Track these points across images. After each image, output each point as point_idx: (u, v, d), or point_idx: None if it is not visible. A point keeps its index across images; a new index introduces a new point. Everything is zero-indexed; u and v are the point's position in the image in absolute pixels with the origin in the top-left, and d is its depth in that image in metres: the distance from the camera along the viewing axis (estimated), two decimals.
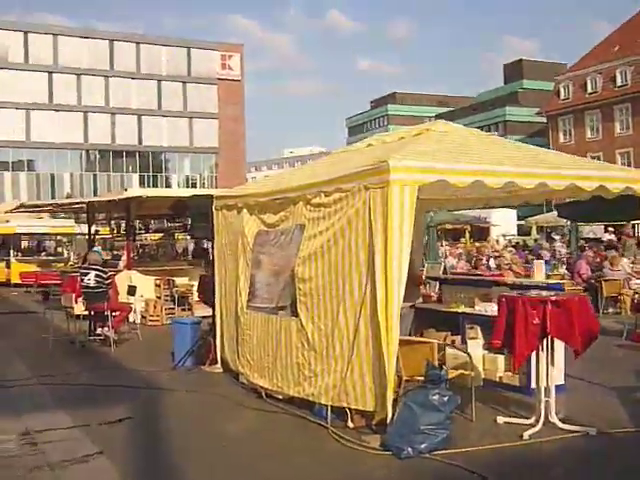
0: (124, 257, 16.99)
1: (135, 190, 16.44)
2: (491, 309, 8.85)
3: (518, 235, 43.45)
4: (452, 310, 9.52)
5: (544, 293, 7.36)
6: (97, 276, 12.42)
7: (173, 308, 16.14)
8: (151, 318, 15.82)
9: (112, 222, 18.14)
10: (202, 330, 11.09)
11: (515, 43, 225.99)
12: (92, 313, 12.77)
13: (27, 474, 5.81)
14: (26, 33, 69.45)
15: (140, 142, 74.03)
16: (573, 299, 7.07)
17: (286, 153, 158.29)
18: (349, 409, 7.16)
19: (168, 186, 73.23)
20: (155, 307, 15.96)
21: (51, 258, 30.95)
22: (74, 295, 13.01)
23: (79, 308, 12.84)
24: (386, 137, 9.23)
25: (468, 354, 7.61)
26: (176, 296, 15.89)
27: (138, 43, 73.77)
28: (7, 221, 30.65)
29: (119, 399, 8.68)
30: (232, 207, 9.85)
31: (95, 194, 68.75)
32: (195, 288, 16.47)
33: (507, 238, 40.02)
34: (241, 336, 9.16)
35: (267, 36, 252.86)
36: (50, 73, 70.21)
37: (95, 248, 34.30)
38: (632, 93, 57.43)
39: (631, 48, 57.07)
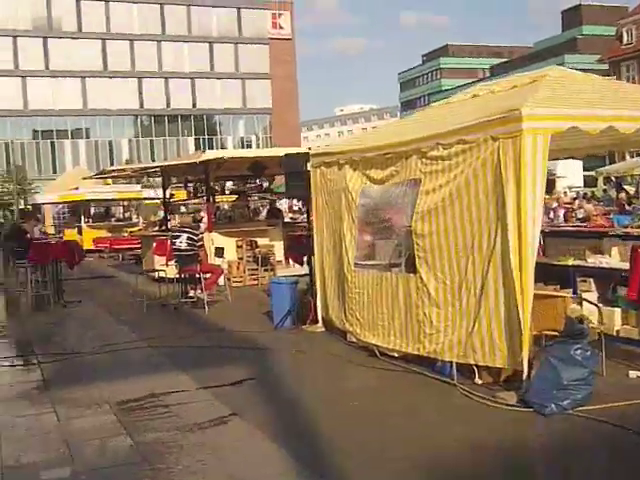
0: (205, 219, 17.01)
1: (214, 152, 16.33)
2: (605, 261, 8.57)
3: (584, 187, 42.36)
4: (562, 263, 9.22)
5: None
6: (189, 239, 12.44)
7: (256, 269, 16.15)
8: (234, 279, 15.85)
9: (188, 185, 18.06)
10: (300, 290, 11.01)
11: None
12: (184, 276, 12.81)
13: (171, 435, 5.81)
14: (78, 1, 69.74)
15: (194, 105, 74.23)
16: None
17: (337, 111, 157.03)
18: (476, 366, 7.01)
19: (224, 148, 73.38)
20: (238, 268, 15.99)
21: (121, 223, 31.44)
22: (164, 258, 13.08)
23: (171, 271, 12.93)
24: (494, 86, 8.88)
25: (598, 307, 7.36)
26: (259, 257, 15.87)
27: (189, 5, 73.45)
28: (76, 188, 31.15)
29: (231, 360, 8.67)
30: (331, 164, 9.68)
31: (152, 159, 69.52)
32: (276, 248, 16.52)
33: (573, 190, 39.04)
34: (348, 295, 9.05)
35: None
36: (103, 40, 70.57)
37: (161, 212, 34.79)
38: None
39: None
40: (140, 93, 71.94)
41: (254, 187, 18.78)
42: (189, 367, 8.28)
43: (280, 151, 13.79)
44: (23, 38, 67.57)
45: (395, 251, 8.39)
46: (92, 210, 33.43)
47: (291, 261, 16.33)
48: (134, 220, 32.68)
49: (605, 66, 64.92)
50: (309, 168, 10.35)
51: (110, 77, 69.84)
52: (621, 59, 62.81)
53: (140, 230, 30.10)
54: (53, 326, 12.04)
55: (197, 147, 73.71)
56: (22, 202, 57.15)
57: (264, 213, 21.69)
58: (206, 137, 75.52)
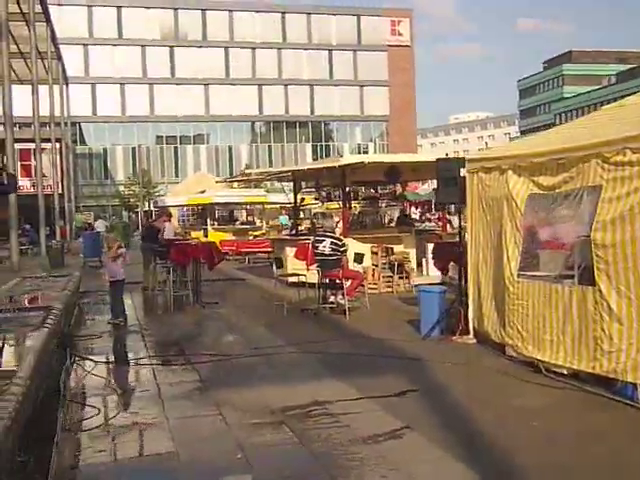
0: (340, 224, 16.88)
1: (353, 156, 16.20)
2: None
3: None
4: None
5: None
6: (332, 243, 12.29)
7: (390, 276, 15.85)
8: (369, 286, 15.60)
9: (321, 190, 18.05)
10: (449, 299, 10.64)
11: None
12: (326, 281, 12.66)
13: (347, 447, 5.58)
14: (204, 11, 71.89)
15: (312, 112, 75.03)
16: None
17: (451, 119, 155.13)
18: None
19: (340, 155, 73.77)
20: (373, 275, 15.73)
21: (246, 227, 31.91)
22: (306, 262, 13.00)
23: (311, 276, 12.83)
24: None
25: None
26: (395, 264, 15.56)
27: (309, 14, 74.41)
28: (203, 191, 31.88)
29: (387, 369, 8.41)
30: (491, 169, 9.26)
31: (270, 164, 70.73)
32: (410, 256, 16.18)
33: None
34: (509, 306, 8.60)
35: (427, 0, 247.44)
36: (226, 48, 72.41)
37: (282, 217, 35.19)
38: None
39: None
40: (260, 99, 73.33)
41: (387, 193, 18.52)
42: (346, 375, 8.05)
43: (416, 157, 13.52)
44: (151, 47, 70.27)
45: (566, 262, 7.90)
46: (217, 214, 34.15)
47: (428, 269, 15.99)
48: (257, 224, 33.13)
49: None
50: (464, 173, 9.99)
51: (232, 84, 71.52)
52: None
53: (264, 234, 30.55)
54: (196, 327, 12.18)
55: (314, 153, 74.61)
56: (147, 204, 59.34)
57: (394, 219, 21.38)
58: (323, 143, 76.19)
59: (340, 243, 12.36)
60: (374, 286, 15.82)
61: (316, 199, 25.89)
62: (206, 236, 30.37)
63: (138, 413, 6.80)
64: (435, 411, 6.63)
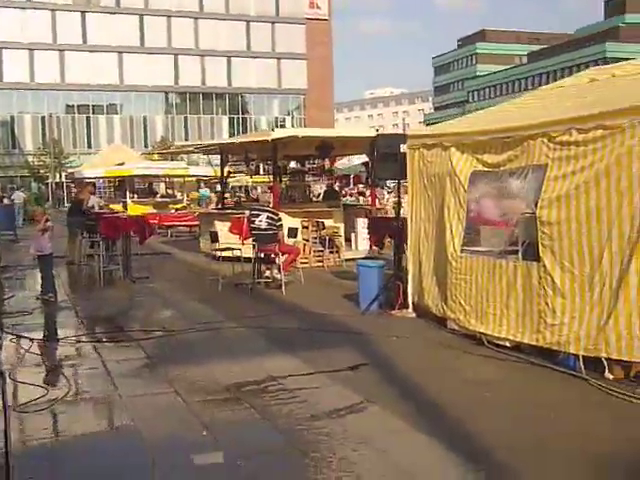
0: (270, 199, 16.81)
1: (286, 130, 16.09)
2: None
3: None
4: None
5: None
6: (269, 218, 12.24)
7: (322, 250, 15.94)
8: (301, 261, 15.63)
9: (251, 163, 17.89)
10: (386, 274, 10.78)
11: None
12: (261, 255, 12.62)
13: (311, 423, 5.62)
14: None
15: (229, 84, 74.05)
16: None
17: (367, 94, 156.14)
18: (607, 359, 6.75)
19: (257, 128, 73.33)
20: (304, 250, 15.77)
21: (166, 200, 31.36)
22: (240, 237, 12.91)
23: (246, 250, 12.76)
24: (613, 70, 8.55)
25: None
26: (326, 238, 15.65)
27: None
28: (122, 163, 31.11)
29: (333, 344, 8.47)
30: (434, 146, 9.39)
31: (186, 136, 69.57)
32: (341, 230, 16.30)
33: None
34: (452, 280, 8.78)
35: None
36: (141, 16, 70.47)
37: (202, 190, 34.74)
38: None
39: None
40: (176, 70, 71.86)
41: (314, 167, 18.53)
42: (293, 349, 8.09)
43: (349, 132, 13.55)
44: (62, 12, 67.67)
45: (509, 238, 8.12)
46: (135, 186, 33.40)
47: (357, 243, 16.18)
48: (178, 197, 32.62)
49: None
50: (404, 149, 10.09)
51: (147, 53, 69.74)
52: None
53: (184, 207, 30.12)
54: (131, 302, 11.96)
55: (231, 125, 73.87)
56: (58, 176, 57.48)
57: (321, 194, 21.44)
58: (240, 116, 75.46)
59: (276, 217, 12.33)
60: (305, 260, 15.87)
61: (242, 172, 25.65)
62: (125, 209, 29.71)
63: (89, 392, 6.64)
64: (390, 384, 6.74)
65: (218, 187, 39.13)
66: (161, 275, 14.99)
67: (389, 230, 11.87)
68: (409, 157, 9.98)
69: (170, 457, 5.02)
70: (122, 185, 32.04)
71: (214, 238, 12.91)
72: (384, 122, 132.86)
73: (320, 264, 15.78)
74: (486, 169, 8.40)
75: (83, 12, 68.58)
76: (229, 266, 13.45)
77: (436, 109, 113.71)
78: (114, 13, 68.85)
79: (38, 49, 66.98)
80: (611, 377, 6.71)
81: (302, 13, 75.34)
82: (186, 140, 69.29)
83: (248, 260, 13.05)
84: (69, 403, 6.27)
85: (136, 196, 31.47)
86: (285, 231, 13.45)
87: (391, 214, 14.63)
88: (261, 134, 20.18)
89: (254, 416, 5.86)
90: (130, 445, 5.29)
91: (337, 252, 16.15)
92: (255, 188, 36.50)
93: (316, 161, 19.21)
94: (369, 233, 13.57)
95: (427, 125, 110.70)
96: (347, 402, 6.12)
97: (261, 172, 18.54)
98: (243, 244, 12.88)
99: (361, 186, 33.83)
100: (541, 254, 7.34)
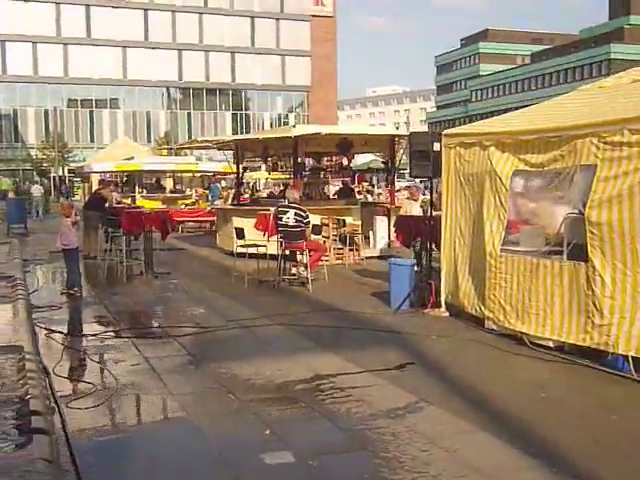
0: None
1: (308, 127, 16.04)
2: None
3: None
4: None
5: None
6: (296, 214, 12.17)
7: (341, 248, 15.88)
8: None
9: (269, 159, 17.82)
10: (419, 273, 10.74)
11: None
12: (286, 253, 12.56)
13: (373, 422, 5.57)
14: None
15: (233, 80, 73.90)
16: None
17: (369, 92, 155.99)
18: None
19: (261, 125, 73.34)
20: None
21: (176, 195, 31.25)
22: (266, 233, 12.85)
23: (272, 247, 12.70)
24: None
25: None
26: (347, 236, 15.59)
27: None
28: (131, 158, 30.96)
29: (375, 342, 8.44)
30: (471, 145, 9.35)
31: (190, 132, 69.50)
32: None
33: None
34: (490, 280, 8.73)
35: None
36: (145, 10, 70.30)
37: (213, 186, 34.68)
38: None
39: None
40: (180, 65, 71.69)
41: (335, 164, 18.46)
42: (335, 348, 8.06)
43: (371, 129, 13.52)
44: (66, 5, 67.47)
45: (556, 238, 8.07)
46: (144, 181, 33.26)
47: (376, 241, 16.16)
48: (187, 193, 32.50)
49: None
50: (437, 148, 10.05)
51: (151, 48, 69.57)
52: None
53: (193, 203, 30.00)
54: (158, 298, 11.89)
55: (234, 121, 73.75)
56: (61, 170, 57.30)
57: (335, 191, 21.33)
58: (243, 112, 75.33)
59: (304, 214, 12.26)
60: (326, 258, 15.80)
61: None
62: (134, 204, 29.60)
63: (139, 388, 6.59)
64: (441, 383, 6.71)
65: (223, 183, 39.25)
66: (182, 271, 14.93)
67: (418, 229, 11.82)
68: (444, 156, 9.94)
69: (238, 456, 4.97)
70: (130, 179, 31.88)
71: (240, 234, 12.81)
72: (385, 120, 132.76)
73: (340, 262, 15.72)
74: (529, 168, 8.36)
75: (87, 6, 68.33)
76: (248, 263, 13.27)
77: (438, 108, 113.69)
78: (118, 7, 68.63)
79: (42, 42, 66.76)
80: None
81: (307, 10, 75.18)
82: (189, 136, 69.31)
83: (269, 257, 12.96)
84: (120, 399, 6.22)
85: (145, 191, 31.34)
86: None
87: (407, 212, 14.54)
88: (283, 130, 20.11)
89: (313, 415, 5.81)
90: (194, 444, 5.23)
91: (357, 250, 16.10)
92: (257, 184, 36.28)
93: (333, 158, 19.13)
94: (396, 232, 13.51)
95: (429, 124, 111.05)
96: (403, 402, 6.07)
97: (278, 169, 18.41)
98: (269, 241, 12.81)
99: (366, 184, 33.79)
100: (590, 254, 7.30)
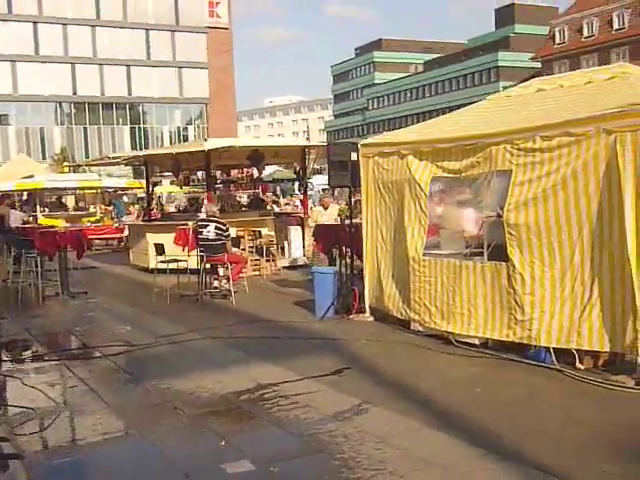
0: (203, 208, 16.73)
1: (221, 140, 16.10)
2: None
3: None
4: None
5: None
6: (217, 228, 12.25)
7: (258, 259, 16.01)
8: None
9: (180, 174, 17.75)
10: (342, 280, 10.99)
11: None
12: (207, 266, 12.60)
13: (323, 425, 5.76)
14: None
15: (129, 93, 72.55)
16: None
17: (266, 103, 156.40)
18: (577, 351, 7.19)
19: (160, 138, 72.40)
20: None
21: (80, 213, 30.50)
22: (187, 248, 12.84)
23: (193, 261, 12.70)
24: (561, 81, 9.07)
25: None
26: (264, 247, 15.75)
27: None
28: (31, 176, 30.02)
29: (308, 350, 8.61)
30: (389, 154, 9.71)
31: (86, 147, 67.85)
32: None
33: None
34: (414, 284, 9.09)
35: None
36: (35, 23, 68.11)
37: (116, 201, 33.99)
38: (630, 37, 57.53)
39: None
40: (74, 79, 69.79)
41: (245, 176, 18.60)
42: (271, 357, 8.18)
43: (283, 141, 13.76)
44: None
45: (471, 240, 8.51)
46: (45, 200, 32.31)
47: (290, 251, 16.37)
48: (91, 210, 31.80)
49: (538, 64, 66.90)
50: (355, 158, 10.35)
51: (43, 62, 67.48)
52: (553, 58, 64.88)
53: (98, 220, 29.39)
54: (80, 317, 11.65)
55: (132, 136, 72.43)
56: None
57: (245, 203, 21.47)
58: (142, 126, 74.06)
59: (224, 228, 12.35)
60: (244, 270, 15.91)
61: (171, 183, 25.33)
62: (36, 223, 28.71)
63: (82, 409, 6.53)
64: (380, 385, 6.95)
65: (125, 198, 38.60)
66: (99, 290, 14.67)
67: (337, 237, 12.08)
68: (363, 165, 10.25)
69: (199, 469, 5.04)
70: (30, 198, 30.90)
71: (159, 250, 12.74)
72: (284, 130, 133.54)
73: (258, 273, 15.85)
74: (447, 175, 8.77)
75: None
76: (168, 278, 13.14)
77: (336, 117, 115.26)
78: (5, 20, 66.25)
79: None
80: (582, 367, 7.17)
81: (202, 22, 74.62)
82: (86, 152, 67.59)
83: (189, 272, 12.92)
84: (64, 421, 6.18)
85: (47, 210, 30.45)
86: None
87: (317, 221, 14.85)
88: (195, 144, 20.06)
89: (264, 423, 5.95)
90: (153, 461, 5.27)
91: (273, 261, 16.28)
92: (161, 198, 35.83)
93: (244, 170, 19.27)
94: (315, 240, 13.76)
95: (327, 132, 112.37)
96: (347, 404, 6.28)
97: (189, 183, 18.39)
98: (189, 255, 12.80)
99: (270, 194, 34.04)
100: (509, 254, 7.75)
